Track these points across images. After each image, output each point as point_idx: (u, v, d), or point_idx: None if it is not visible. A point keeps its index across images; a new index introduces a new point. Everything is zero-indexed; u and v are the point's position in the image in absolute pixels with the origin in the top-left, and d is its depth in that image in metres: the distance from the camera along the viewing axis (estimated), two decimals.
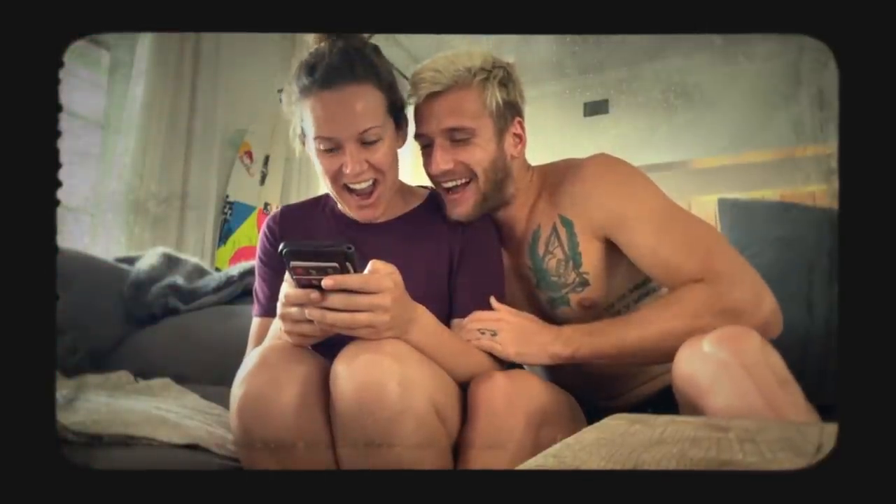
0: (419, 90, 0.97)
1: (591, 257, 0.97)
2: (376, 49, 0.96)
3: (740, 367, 0.68)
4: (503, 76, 0.99)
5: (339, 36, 0.93)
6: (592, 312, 0.99)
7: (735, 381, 0.68)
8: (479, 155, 0.97)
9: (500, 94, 0.97)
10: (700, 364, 0.72)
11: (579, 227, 0.97)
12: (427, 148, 1.00)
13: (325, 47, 0.91)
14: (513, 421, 0.80)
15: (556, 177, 1.02)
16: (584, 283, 0.98)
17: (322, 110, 0.89)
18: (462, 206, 0.98)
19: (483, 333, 0.91)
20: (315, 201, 1.09)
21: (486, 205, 1.00)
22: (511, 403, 0.80)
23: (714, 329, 0.76)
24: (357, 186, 0.93)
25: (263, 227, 1.08)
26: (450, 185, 0.98)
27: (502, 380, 0.83)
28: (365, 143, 0.91)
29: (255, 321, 1.04)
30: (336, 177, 0.93)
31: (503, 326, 0.91)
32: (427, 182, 1.06)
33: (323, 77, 0.89)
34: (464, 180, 0.97)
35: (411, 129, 1.02)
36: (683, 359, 0.74)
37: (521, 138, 1.02)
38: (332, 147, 0.91)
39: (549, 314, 1.02)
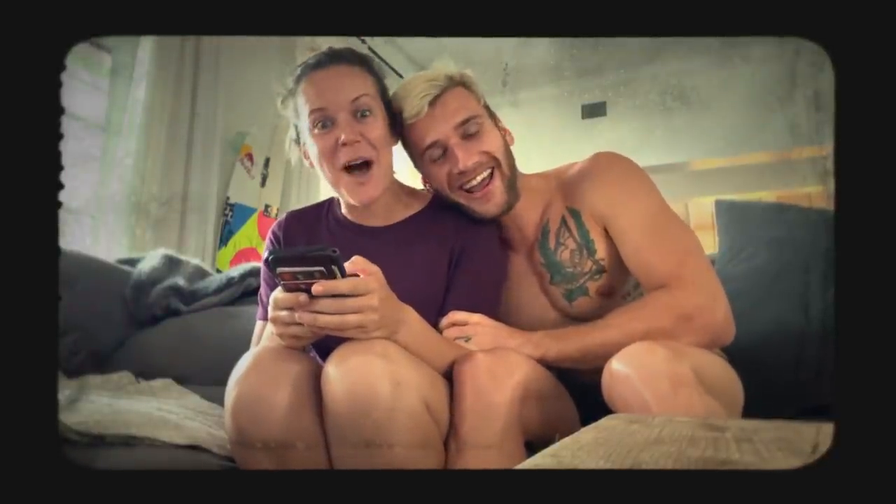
0: (420, 101, 0.97)
1: (603, 245, 0.99)
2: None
3: (639, 381, 0.74)
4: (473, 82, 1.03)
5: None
6: (610, 302, 1.01)
7: (635, 394, 0.74)
8: (494, 140, 1.00)
9: (480, 92, 1.03)
10: (610, 380, 0.78)
11: (585, 216, 1.00)
12: (440, 160, 0.99)
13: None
14: (498, 394, 0.81)
15: (567, 176, 1.05)
16: (601, 271, 1.00)
17: (314, 87, 0.94)
18: (494, 197, 0.99)
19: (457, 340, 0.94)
20: (319, 206, 1.10)
21: (511, 194, 1.01)
22: (495, 377, 0.82)
23: (670, 331, 0.85)
24: (353, 161, 0.93)
25: (269, 232, 1.09)
26: (476, 181, 0.98)
27: (484, 356, 0.84)
28: (357, 115, 0.93)
29: (259, 324, 1.05)
30: (332, 156, 0.94)
31: (478, 331, 0.94)
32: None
33: (314, 63, 0.95)
34: (489, 171, 0.99)
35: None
36: (603, 376, 0.79)
37: (506, 131, 1.06)
38: (325, 122, 0.93)
39: (565, 308, 1.04)
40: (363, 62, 0.98)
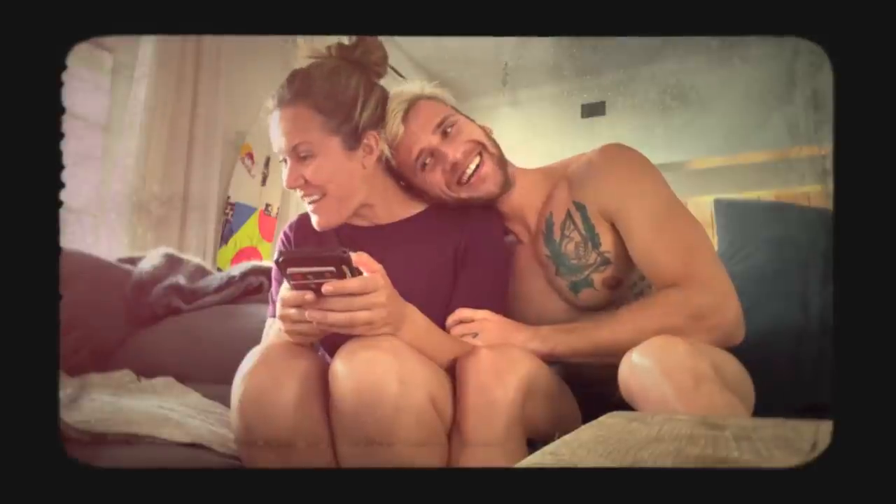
0: (394, 120, 1.01)
1: (608, 237, 0.99)
2: (333, 71, 0.99)
3: (660, 374, 0.73)
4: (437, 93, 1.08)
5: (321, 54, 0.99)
6: (616, 293, 1.01)
7: (656, 387, 0.73)
8: (473, 129, 1.04)
9: (447, 99, 1.07)
10: (629, 373, 0.77)
11: (591, 210, 1.00)
12: (430, 164, 1.02)
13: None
14: (501, 391, 0.81)
15: (574, 167, 1.05)
16: (606, 262, 1.00)
17: (271, 130, 0.98)
18: (490, 177, 1.02)
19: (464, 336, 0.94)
20: None
21: (504, 171, 1.04)
22: (498, 373, 0.82)
23: (682, 329, 0.84)
24: (306, 199, 0.99)
25: (281, 233, 1.12)
26: (470, 169, 1.01)
27: (487, 352, 0.84)
28: (300, 157, 0.96)
29: (269, 321, 1.06)
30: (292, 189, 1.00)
31: (485, 326, 0.94)
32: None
33: (270, 105, 0.98)
34: (478, 156, 1.02)
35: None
36: (621, 369, 0.78)
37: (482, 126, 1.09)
38: (285, 162, 0.98)
39: (571, 300, 1.04)
40: (306, 96, 0.96)
